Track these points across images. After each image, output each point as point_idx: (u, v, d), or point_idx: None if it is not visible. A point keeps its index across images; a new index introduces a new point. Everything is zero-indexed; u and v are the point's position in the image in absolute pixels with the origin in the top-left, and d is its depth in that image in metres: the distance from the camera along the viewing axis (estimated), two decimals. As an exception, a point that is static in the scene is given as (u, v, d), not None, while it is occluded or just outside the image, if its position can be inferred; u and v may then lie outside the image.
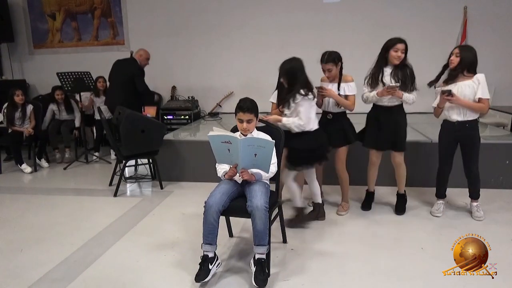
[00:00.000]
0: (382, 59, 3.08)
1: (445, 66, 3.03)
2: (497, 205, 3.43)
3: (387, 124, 3.13)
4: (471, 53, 2.92)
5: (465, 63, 2.90)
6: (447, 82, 3.00)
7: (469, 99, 2.93)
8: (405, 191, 3.34)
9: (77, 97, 5.36)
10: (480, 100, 2.92)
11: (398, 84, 2.97)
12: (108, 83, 5.32)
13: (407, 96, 3.02)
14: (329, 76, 3.14)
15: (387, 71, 3.08)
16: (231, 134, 2.35)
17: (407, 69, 3.06)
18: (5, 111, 4.95)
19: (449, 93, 2.88)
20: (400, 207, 3.30)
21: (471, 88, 2.91)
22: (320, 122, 3.31)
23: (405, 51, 3.02)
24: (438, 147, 3.21)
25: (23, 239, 2.94)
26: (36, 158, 5.06)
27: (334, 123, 3.21)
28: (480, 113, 3.05)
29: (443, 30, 5.81)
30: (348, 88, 3.11)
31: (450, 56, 2.97)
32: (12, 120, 4.91)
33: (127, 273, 2.42)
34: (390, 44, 3.02)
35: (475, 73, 2.93)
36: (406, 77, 3.03)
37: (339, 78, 3.12)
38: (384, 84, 3.05)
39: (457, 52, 2.92)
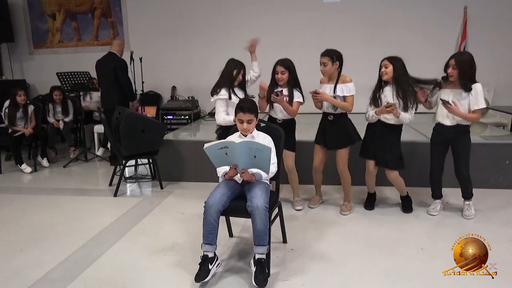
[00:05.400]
0: (379, 78, 3.12)
1: (437, 84, 3.06)
2: (497, 205, 3.43)
3: (381, 139, 3.16)
4: (468, 62, 2.90)
5: (464, 76, 2.91)
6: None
7: (464, 108, 2.97)
8: (407, 192, 3.37)
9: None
10: (474, 111, 2.95)
11: (395, 103, 2.96)
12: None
13: (403, 116, 3.01)
14: (322, 71, 3.14)
15: (387, 89, 3.09)
16: (227, 140, 2.35)
17: (407, 86, 3.03)
18: (6, 110, 4.96)
19: (447, 102, 2.91)
20: (406, 207, 3.34)
21: (467, 99, 2.95)
22: (320, 124, 3.33)
23: (395, 66, 3.01)
24: (429, 149, 3.23)
25: (23, 239, 2.94)
26: (39, 157, 5.08)
27: (335, 124, 3.21)
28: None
29: (443, 30, 5.81)
30: (346, 89, 3.11)
31: (447, 66, 2.97)
32: (13, 120, 4.92)
33: (127, 273, 2.42)
34: (380, 65, 3.08)
35: (472, 82, 2.93)
36: (405, 95, 3.01)
37: (337, 79, 3.13)
38: (380, 102, 3.08)
39: (453, 64, 2.92)
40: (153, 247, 2.76)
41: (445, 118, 3.05)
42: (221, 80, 3.26)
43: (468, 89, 2.92)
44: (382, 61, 3.07)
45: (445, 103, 2.91)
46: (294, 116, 3.26)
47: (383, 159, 3.18)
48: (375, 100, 3.14)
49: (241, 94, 3.28)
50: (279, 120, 3.25)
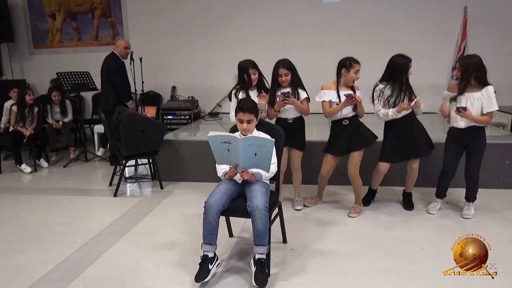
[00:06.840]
0: (396, 79, 3.08)
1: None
2: (497, 205, 3.44)
3: (406, 133, 3.16)
4: (471, 64, 2.91)
5: (466, 77, 2.92)
6: (456, 95, 3.02)
7: (477, 110, 2.97)
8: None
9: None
10: (487, 113, 2.97)
11: (417, 99, 3.03)
12: None
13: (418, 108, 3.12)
14: (356, 79, 3.12)
15: (388, 88, 3.11)
16: (231, 134, 2.35)
17: (409, 84, 3.13)
18: (13, 108, 4.95)
19: (464, 109, 2.93)
20: (409, 204, 3.37)
21: (479, 101, 2.96)
22: (333, 133, 3.26)
23: None
24: (444, 152, 3.22)
25: (23, 239, 2.94)
26: (41, 158, 5.08)
27: (351, 127, 3.16)
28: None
29: (443, 30, 5.81)
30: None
31: (454, 68, 3.02)
32: (20, 120, 4.91)
33: (127, 273, 2.42)
34: (406, 64, 3.06)
35: (484, 84, 2.94)
36: (412, 92, 3.11)
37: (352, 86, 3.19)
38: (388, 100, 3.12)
39: (458, 66, 2.96)
40: (153, 247, 2.76)
41: (459, 121, 3.04)
42: (240, 85, 3.25)
43: (461, 92, 2.94)
44: (410, 62, 3.07)
45: (460, 110, 2.93)
46: (307, 114, 3.25)
47: (417, 150, 3.20)
48: (389, 101, 3.14)
49: (255, 97, 3.23)
50: (290, 120, 3.22)
